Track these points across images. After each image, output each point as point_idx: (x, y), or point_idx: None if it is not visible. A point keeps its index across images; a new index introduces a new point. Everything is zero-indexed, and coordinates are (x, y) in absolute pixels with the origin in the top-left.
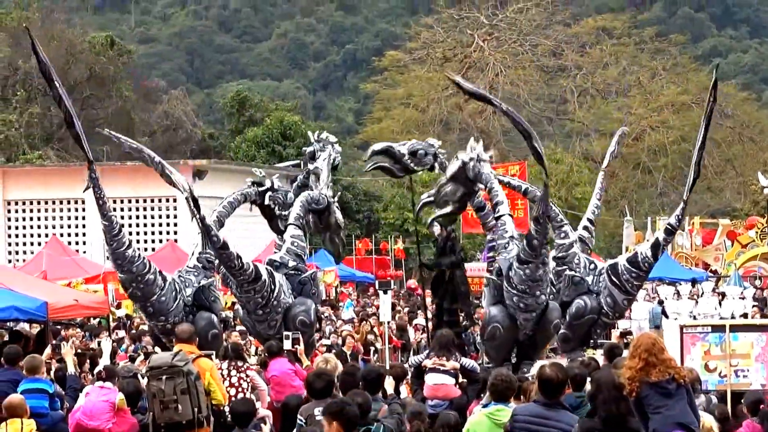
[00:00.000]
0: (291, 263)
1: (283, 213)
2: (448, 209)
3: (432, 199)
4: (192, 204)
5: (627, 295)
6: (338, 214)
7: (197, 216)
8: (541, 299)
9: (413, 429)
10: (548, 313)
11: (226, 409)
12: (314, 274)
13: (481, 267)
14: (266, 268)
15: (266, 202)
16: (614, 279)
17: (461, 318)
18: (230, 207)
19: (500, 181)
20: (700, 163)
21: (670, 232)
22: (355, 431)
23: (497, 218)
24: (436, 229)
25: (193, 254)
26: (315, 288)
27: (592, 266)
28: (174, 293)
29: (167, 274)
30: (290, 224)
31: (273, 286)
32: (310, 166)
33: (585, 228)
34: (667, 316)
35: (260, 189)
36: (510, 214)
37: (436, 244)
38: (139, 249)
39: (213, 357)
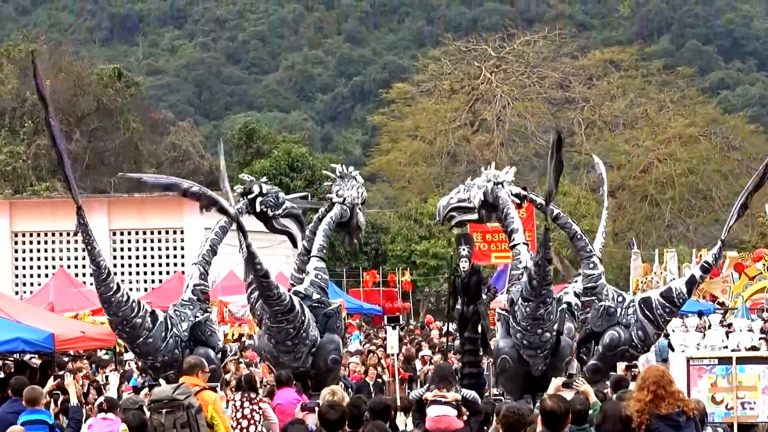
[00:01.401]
0: (315, 296)
1: (277, 212)
2: (474, 216)
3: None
4: (240, 230)
5: (658, 329)
6: (361, 216)
7: (245, 243)
8: (545, 337)
9: None
10: (560, 350)
11: None
12: (339, 308)
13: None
14: (298, 300)
15: (257, 208)
16: (647, 312)
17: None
18: (222, 232)
19: (532, 201)
20: (746, 206)
21: (706, 270)
22: None
23: (512, 247)
24: (464, 265)
25: (187, 287)
26: (339, 321)
27: (620, 298)
28: (164, 333)
29: (160, 313)
30: (313, 256)
31: (303, 317)
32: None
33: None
34: (673, 349)
35: (250, 197)
36: (526, 243)
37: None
38: (129, 291)
39: (218, 389)
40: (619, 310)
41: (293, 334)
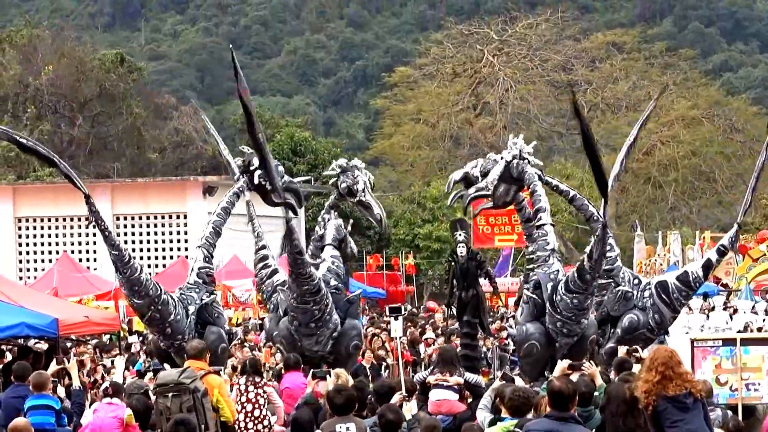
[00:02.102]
0: (333, 282)
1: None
2: (490, 204)
3: (482, 193)
4: (286, 205)
5: (674, 312)
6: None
7: (286, 217)
8: (584, 324)
9: None
10: (586, 330)
11: (237, 425)
12: (360, 295)
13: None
14: (320, 278)
15: (256, 181)
16: (664, 296)
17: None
18: (225, 213)
19: (547, 182)
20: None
21: (722, 253)
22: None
23: (538, 227)
24: (461, 250)
25: (192, 270)
26: (359, 308)
27: (636, 281)
28: (184, 311)
29: (173, 294)
30: (328, 244)
31: (328, 300)
32: (353, 200)
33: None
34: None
35: (251, 168)
36: (552, 224)
37: (458, 265)
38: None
39: (221, 373)
40: (635, 293)
41: (318, 317)
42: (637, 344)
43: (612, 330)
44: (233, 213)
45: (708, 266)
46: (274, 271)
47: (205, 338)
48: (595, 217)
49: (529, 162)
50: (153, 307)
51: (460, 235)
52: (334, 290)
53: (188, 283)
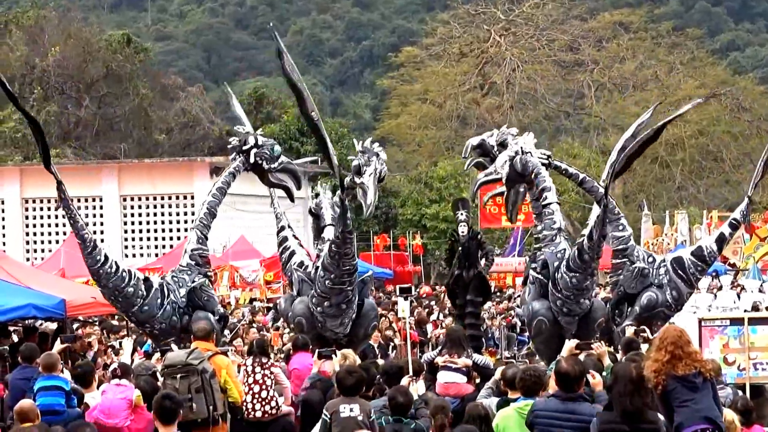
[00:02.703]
0: None
1: (273, 166)
2: (499, 191)
3: (491, 178)
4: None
5: (691, 288)
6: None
7: (340, 196)
8: (585, 305)
9: (437, 423)
10: (593, 312)
11: (244, 406)
12: (371, 275)
13: (498, 262)
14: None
15: (251, 159)
16: (680, 272)
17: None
18: (220, 193)
19: (556, 167)
20: None
21: (735, 227)
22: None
23: (544, 206)
24: (462, 229)
25: (185, 252)
26: (371, 288)
27: (650, 259)
28: (160, 299)
29: (155, 280)
30: (328, 225)
31: (356, 281)
32: (357, 180)
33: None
34: None
35: (245, 148)
36: (558, 202)
37: (460, 245)
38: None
39: (229, 354)
40: (650, 270)
41: (350, 298)
42: (656, 322)
43: (629, 308)
44: (241, 194)
45: (721, 240)
46: (293, 253)
47: (190, 323)
48: (608, 204)
49: (531, 155)
50: (113, 298)
51: (461, 214)
52: None
53: (180, 265)
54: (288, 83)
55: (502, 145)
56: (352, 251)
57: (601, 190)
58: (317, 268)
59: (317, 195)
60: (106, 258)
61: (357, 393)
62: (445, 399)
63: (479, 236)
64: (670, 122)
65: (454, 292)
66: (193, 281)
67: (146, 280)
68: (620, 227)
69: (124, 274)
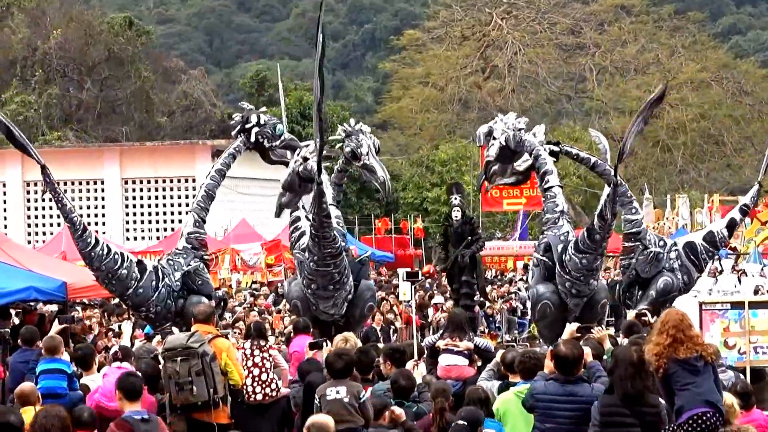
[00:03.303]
0: (338, 242)
1: (274, 144)
2: (511, 180)
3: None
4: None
5: (700, 272)
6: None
7: (317, 179)
8: (593, 285)
9: (437, 407)
10: (596, 294)
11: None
12: (369, 255)
13: (499, 245)
14: (341, 242)
15: (252, 138)
16: (692, 257)
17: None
18: (219, 175)
19: (567, 152)
20: None
21: (745, 212)
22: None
23: (545, 190)
24: (456, 214)
25: (182, 235)
26: (368, 270)
27: (662, 243)
28: (154, 282)
29: (148, 263)
30: (330, 204)
31: (345, 263)
32: (357, 164)
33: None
34: None
35: (247, 127)
36: (560, 185)
37: (453, 229)
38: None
39: (229, 337)
40: (663, 254)
41: (337, 279)
42: (668, 306)
43: (641, 292)
44: (243, 177)
45: (732, 225)
46: (302, 234)
47: (185, 307)
48: (619, 182)
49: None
50: (107, 281)
51: (455, 198)
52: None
53: (176, 249)
54: (319, 78)
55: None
56: (331, 234)
57: (608, 167)
58: (304, 250)
59: (305, 159)
60: (97, 241)
61: (346, 376)
62: (446, 382)
63: (472, 221)
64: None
65: (451, 275)
66: (189, 265)
67: (140, 262)
68: (633, 210)
69: (116, 256)
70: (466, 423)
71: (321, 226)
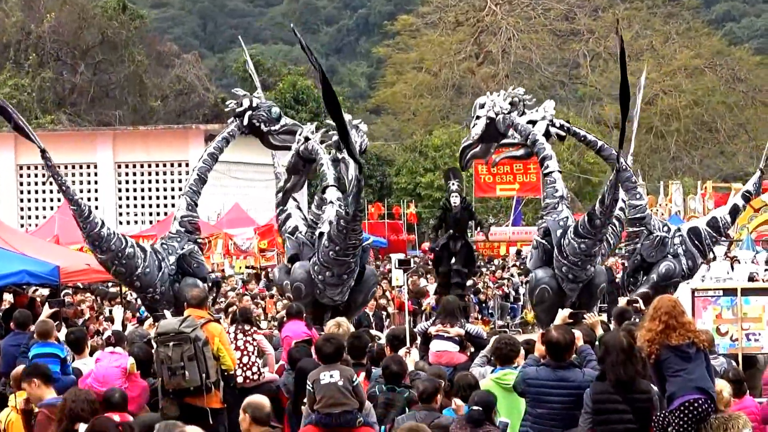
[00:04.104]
0: None
1: (273, 128)
2: (520, 152)
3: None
4: (356, 162)
5: (704, 258)
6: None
7: (357, 176)
8: (590, 271)
9: (429, 385)
10: (595, 277)
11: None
12: (371, 243)
13: (492, 231)
14: None
15: (245, 122)
16: (697, 242)
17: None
18: (212, 159)
19: (575, 134)
20: None
21: (747, 198)
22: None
23: (545, 175)
24: (455, 199)
25: (175, 219)
26: (368, 256)
27: (666, 228)
28: (157, 262)
29: (145, 245)
30: (331, 185)
31: (359, 251)
32: (339, 156)
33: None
34: None
35: (239, 110)
36: (560, 171)
37: (452, 215)
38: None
39: (221, 321)
40: (668, 239)
41: (352, 269)
42: (670, 291)
43: (645, 276)
44: (236, 161)
45: (735, 212)
46: (288, 216)
47: (179, 290)
48: (624, 166)
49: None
50: (117, 262)
51: (453, 184)
52: None
53: (170, 232)
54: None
55: (512, 105)
56: (359, 228)
57: (614, 151)
58: (321, 234)
59: (306, 139)
60: (103, 222)
61: (336, 360)
62: (441, 367)
63: (470, 206)
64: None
65: (439, 259)
66: (183, 248)
67: (138, 244)
68: (637, 195)
69: (121, 237)
70: (480, 408)
71: (354, 219)
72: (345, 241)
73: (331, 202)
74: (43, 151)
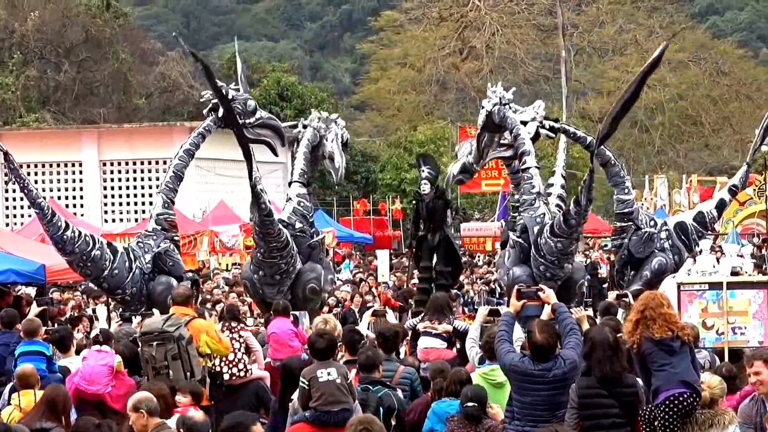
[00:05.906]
0: (297, 224)
1: (248, 121)
2: (508, 153)
3: (471, 159)
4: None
5: (690, 252)
6: (333, 151)
7: (251, 182)
8: (567, 269)
9: (436, 387)
10: (573, 274)
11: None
12: (323, 239)
13: (478, 227)
14: (289, 234)
15: (220, 114)
16: (683, 237)
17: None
18: (188, 155)
19: (565, 131)
20: None
21: (734, 192)
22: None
23: (523, 170)
24: (425, 187)
25: (151, 217)
26: (323, 253)
27: (652, 223)
28: (127, 263)
29: (118, 245)
30: (295, 182)
31: (293, 252)
32: (320, 151)
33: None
34: None
35: (213, 103)
36: (538, 167)
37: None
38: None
39: (206, 315)
40: (656, 235)
41: (284, 269)
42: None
43: (634, 272)
44: (221, 159)
45: (722, 206)
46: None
47: (152, 289)
48: (612, 162)
49: (509, 107)
50: (82, 264)
51: (424, 171)
52: (298, 233)
53: (146, 230)
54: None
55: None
56: (274, 230)
57: (609, 153)
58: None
59: (305, 127)
60: (67, 225)
61: (330, 356)
62: (444, 362)
63: (444, 194)
64: (647, 76)
65: (418, 255)
66: (159, 246)
67: (110, 245)
68: (625, 190)
69: (87, 238)
70: (476, 404)
71: (263, 224)
72: (266, 245)
73: (289, 198)
74: (5, 153)
